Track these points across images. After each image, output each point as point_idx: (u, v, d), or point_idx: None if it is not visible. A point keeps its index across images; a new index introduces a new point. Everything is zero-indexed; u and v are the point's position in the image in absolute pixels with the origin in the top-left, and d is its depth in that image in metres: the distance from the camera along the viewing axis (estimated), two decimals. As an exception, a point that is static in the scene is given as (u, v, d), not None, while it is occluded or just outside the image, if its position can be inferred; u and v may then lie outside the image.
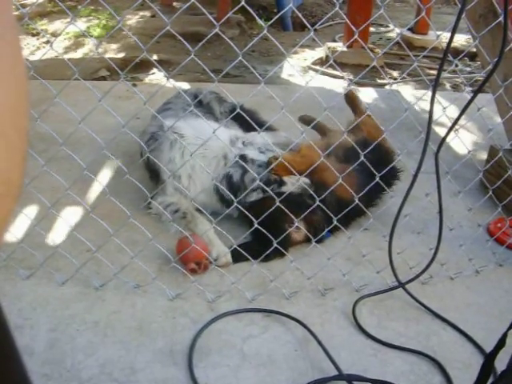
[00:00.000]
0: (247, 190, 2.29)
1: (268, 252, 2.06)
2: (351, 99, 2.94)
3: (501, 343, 1.29)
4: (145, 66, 4.46)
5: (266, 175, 2.27)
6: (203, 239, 2.16)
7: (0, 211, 0.42)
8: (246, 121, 1.99)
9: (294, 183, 2.29)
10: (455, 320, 1.96)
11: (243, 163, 2.26)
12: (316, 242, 2.12)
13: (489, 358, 1.32)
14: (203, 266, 2.09)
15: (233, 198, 2.11)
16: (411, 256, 2.16)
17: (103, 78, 4.38)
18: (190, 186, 2.38)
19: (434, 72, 4.86)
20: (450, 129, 1.84)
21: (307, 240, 2.25)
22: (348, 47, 4.71)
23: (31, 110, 1.71)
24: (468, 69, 5.08)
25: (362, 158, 1.98)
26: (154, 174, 2.53)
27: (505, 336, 1.29)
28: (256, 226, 1.96)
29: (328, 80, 4.58)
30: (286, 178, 2.33)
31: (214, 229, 2.21)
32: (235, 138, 2.47)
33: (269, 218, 1.99)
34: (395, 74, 4.95)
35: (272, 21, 1.93)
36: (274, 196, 1.98)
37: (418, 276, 2.07)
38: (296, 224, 2.10)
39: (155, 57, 4.77)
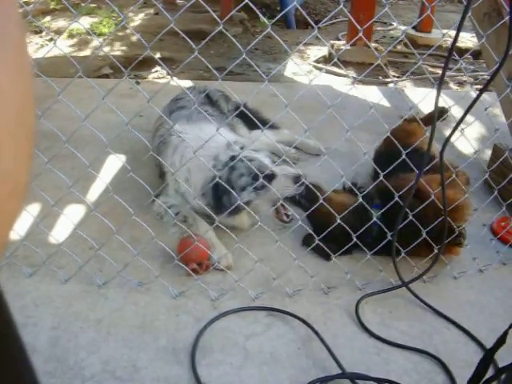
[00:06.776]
0: (236, 189, 2.17)
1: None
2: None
3: (501, 340, 1.29)
4: (148, 64, 4.45)
5: (252, 170, 2.10)
6: (205, 239, 2.15)
7: (8, 210, 0.42)
8: (250, 119, 1.99)
9: (287, 175, 2.22)
10: (458, 319, 1.95)
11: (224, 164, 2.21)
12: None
13: (488, 354, 1.33)
14: (205, 266, 2.09)
15: (211, 212, 2.07)
16: (418, 258, 2.15)
17: (106, 76, 4.38)
18: (189, 188, 2.35)
19: (437, 70, 4.84)
20: (455, 128, 1.83)
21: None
22: (351, 45, 4.71)
23: (34, 108, 1.71)
24: (472, 67, 5.07)
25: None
26: (162, 173, 2.54)
27: (506, 333, 1.29)
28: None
29: (331, 78, 4.57)
30: (277, 169, 2.24)
31: (215, 230, 2.21)
32: (234, 142, 2.36)
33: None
34: (399, 72, 4.93)
35: (276, 19, 1.92)
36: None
37: (421, 275, 2.06)
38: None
39: (158, 54, 4.76)
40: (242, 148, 2.28)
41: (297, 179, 2.20)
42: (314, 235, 2.11)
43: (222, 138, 2.11)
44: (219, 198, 2.21)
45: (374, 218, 2.08)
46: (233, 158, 2.21)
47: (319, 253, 2.20)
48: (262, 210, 2.26)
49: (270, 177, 2.20)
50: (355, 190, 2.15)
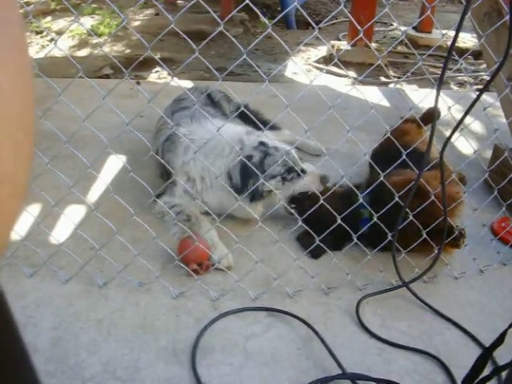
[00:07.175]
0: (266, 176, 2.20)
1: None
2: None
3: (500, 339, 1.29)
4: (148, 65, 4.45)
5: (287, 161, 2.20)
6: (205, 239, 2.15)
7: (8, 211, 0.42)
8: (252, 120, 1.99)
9: (314, 172, 2.35)
10: (459, 319, 1.95)
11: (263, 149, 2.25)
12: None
13: (486, 353, 1.33)
14: (205, 266, 2.09)
15: (239, 189, 2.12)
16: (415, 255, 2.16)
17: (107, 76, 4.38)
18: (203, 188, 2.36)
19: (437, 71, 4.84)
20: (455, 128, 1.83)
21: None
22: (352, 46, 4.71)
23: (35, 108, 1.71)
24: (472, 67, 5.07)
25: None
26: (165, 173, 2.54)
27: (505, 332, 1.29)
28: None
29: (332, 78, 4.57)
30: (306, 166, 2.37)
31: (216, 230, 2.21)
32: (251, 131, 2.44)
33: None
34: (399, 72, 4.93)
35: (276, 19, 1.92)
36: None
37: (421, 275, 2.06)
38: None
39: (159, 55, 4.76)
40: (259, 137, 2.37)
41: (323, 179, 2.35)
42: (310, 230, 2.12)
43: (239, 127, 2.17)
44: (246, 180, 2.22)
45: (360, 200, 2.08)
46: (262, 143, 2.29)
47: (307, 247, 2.21)
48: (279, 201, 2.34)
49: (299, 172, 2.31)
50: (351, 185, 2.17)
